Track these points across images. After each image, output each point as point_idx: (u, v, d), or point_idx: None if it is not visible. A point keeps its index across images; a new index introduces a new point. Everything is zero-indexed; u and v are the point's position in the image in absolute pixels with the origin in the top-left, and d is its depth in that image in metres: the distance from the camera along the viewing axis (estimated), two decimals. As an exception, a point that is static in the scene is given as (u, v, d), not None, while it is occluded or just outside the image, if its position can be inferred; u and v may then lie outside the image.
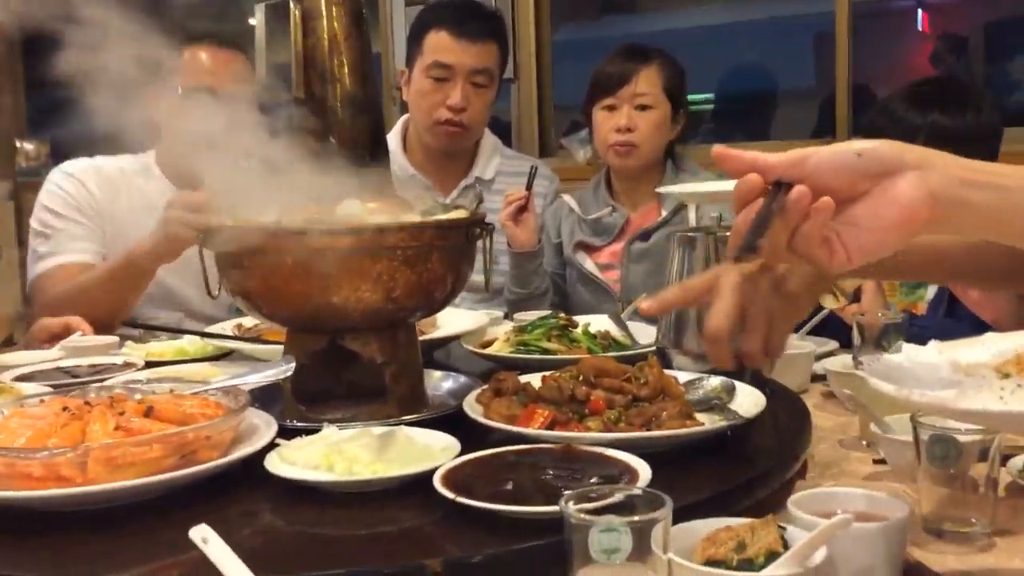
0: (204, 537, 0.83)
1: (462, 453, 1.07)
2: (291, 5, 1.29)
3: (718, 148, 0.86)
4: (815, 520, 0.82)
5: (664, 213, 2.27)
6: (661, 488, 0.78)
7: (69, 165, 2.30)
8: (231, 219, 1.29)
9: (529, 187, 2.19)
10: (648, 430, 1.15)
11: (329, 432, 1.12)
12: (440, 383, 1.44)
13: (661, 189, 1.84)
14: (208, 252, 1.30)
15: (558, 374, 1.28)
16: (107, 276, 2.04)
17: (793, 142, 3.74)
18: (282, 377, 1.26)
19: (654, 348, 1.52)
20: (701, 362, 1.43)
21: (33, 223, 2.25)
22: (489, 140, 2.56)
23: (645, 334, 1.73)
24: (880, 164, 0.81)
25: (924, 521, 1.01)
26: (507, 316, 2.01)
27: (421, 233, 1.24)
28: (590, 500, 0.77)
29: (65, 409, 1.08)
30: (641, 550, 0.72)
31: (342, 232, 1.20)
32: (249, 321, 1.82)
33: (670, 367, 1.40)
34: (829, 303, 1.87)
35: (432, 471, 1.01)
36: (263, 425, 1.17)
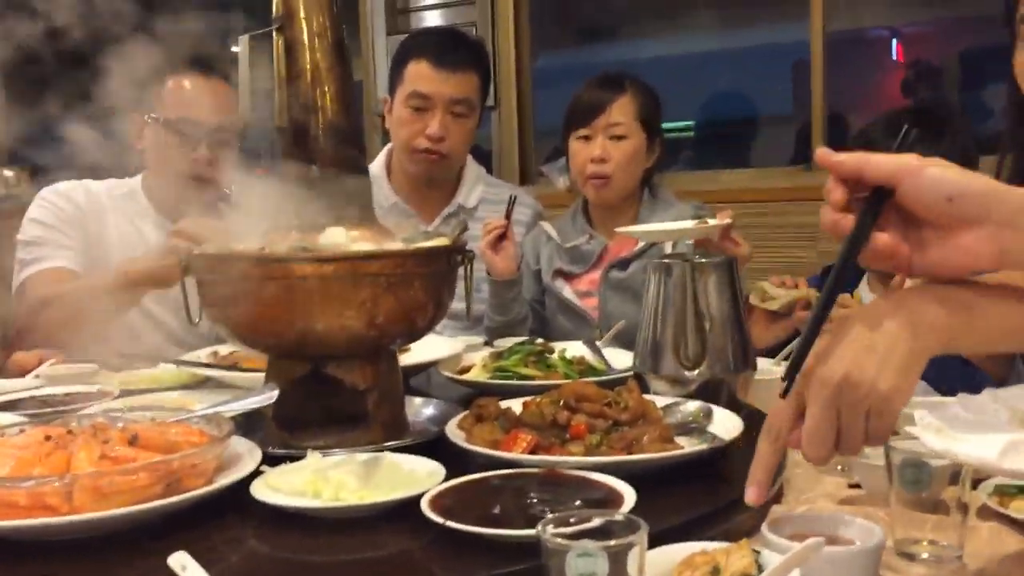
0: (183, 565, 0.83)
1: (447, 479, 1.08)
2: (274, 36, 1.31)
3: (822, 152, 0.86)
4: (788, 544, 0.84)
5: (641, 243, 2.29)
6: (639, 512, 0.79)
7: (58, 185, 2.32)
8: (213, 247, 1.30)
9: (508, 216, 2.20)
10: (630, 454, 1.17)
11: (313, 459, 1.13)
12: (421, 409, 1.45)
13: (620, 230, 1.88)
14: (189, 280, 1.31)
15: (539, 399, 1.29)
16: (98, 288, 2.03)
17: (771, 169, 3.80)
18: (265, 404, 1.26)
19: (631, 373, 1.54)
20: (678, 387, 1.45)
21: (20, 236, 2.26)
22: (472, 168, 2.58)
23: (619, 360, 1.75)
24: (974, 209, 0.82)
25: (897, 544, 1.02)
26: (487, 343, 2.03)
27: (404, 260, 1.26)
28: (567, 525, 0.78)
29: (48, 438, 1.08)
30: (617, 574, 0.73)
31: (326, 259, 1.21)
32: (225, 349, 1.81)
33: (648, 391, 1.42)
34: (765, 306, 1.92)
35: (418, 496, 1.02)
36: (246, 452, 1.17)
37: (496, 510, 0.98)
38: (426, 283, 1.28)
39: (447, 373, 1.70)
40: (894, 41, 5.99)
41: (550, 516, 0.78)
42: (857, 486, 1.24)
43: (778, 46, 5.47)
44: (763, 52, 5.76)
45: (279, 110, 1.33)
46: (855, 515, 0.96)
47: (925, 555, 1.01)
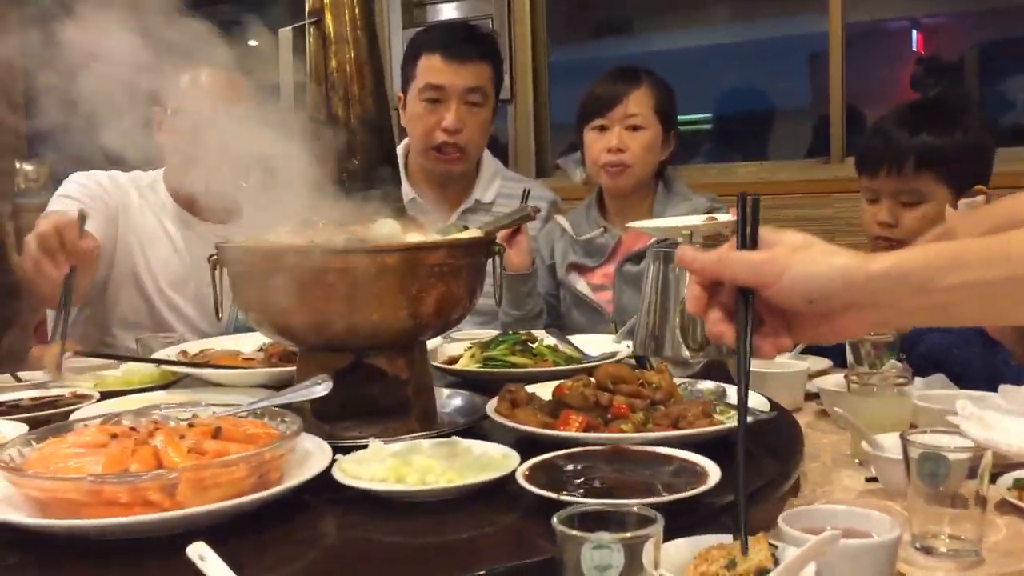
0: (201, 555, 0.84)
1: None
2: (311, 30, 1.32)
3: (683, 254, 0.90)
4: (805, 537, 0.83)
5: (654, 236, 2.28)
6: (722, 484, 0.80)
7: (83, 175, 2.35)
8: (254, 239, 1.30)
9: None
10: (677, 429, 1.23)
11: (377, 446, 1.14)
12: (448, 400, 1.47)
13: (631, 225, 1.87)
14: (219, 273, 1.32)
15: (571, 383, 1.34)
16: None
17: (788, 162, 3.77)
18: (318, 396, 1.24)
19: (616, 358, 1.63)
20: (681, 368, 1.50)
21: (48, 211, 2.27)
22: (489, 163, 2.58)
23: (589, 347, 1.79)
24: (840, 303, 0.85)
25: (914, 538, 1.02)
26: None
27: (455, 251, 1.28)
28: (581, 517, 0.78)
29: (114, 436, 1.06)
30: (633, 567, 0.73)
31: (386, 251, 1.23)
32: (194, 348, 1.80)
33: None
34: None
35: (507, 476, 1.05)
36: (313, 446, 1.16)
37: (597, 483, 1.02)
38: (469, 274, 1.31)
39: (435, 364, 1.72)
40: (914, 32, 5.95)
41: (563, 510, 0.78)
42: (874, 480, 1.24)
43: (795, 38, 5.43)
44: (779, 44, 5.71)
45: (314, 103, 1.34)
46: (871, 508, 0.95)
47: (943, 549, 1.00)
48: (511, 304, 2.23)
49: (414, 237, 1.30)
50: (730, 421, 1.27)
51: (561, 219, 2.45)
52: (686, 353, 1.49)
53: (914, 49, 5.98)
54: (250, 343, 1.81)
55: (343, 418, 1.29)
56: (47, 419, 1.39)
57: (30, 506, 0.99)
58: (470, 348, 1.80)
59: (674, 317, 1.50)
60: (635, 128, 2.26)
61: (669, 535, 0.90)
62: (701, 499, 1.00)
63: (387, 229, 1.28)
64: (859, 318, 0.85)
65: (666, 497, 0.97)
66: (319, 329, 1.26)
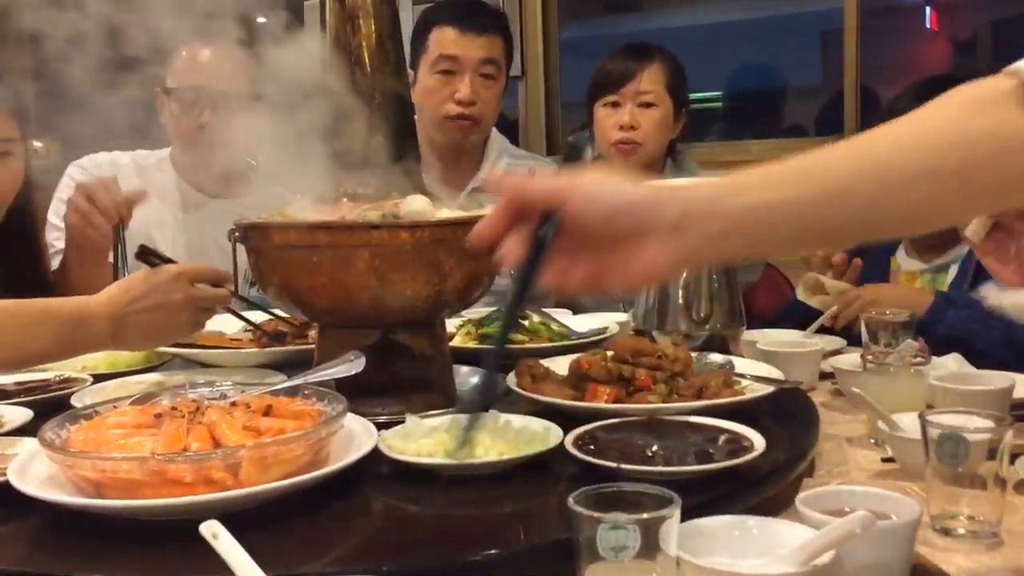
0: (214, 533, 0.83)
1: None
2: (332, 2, 1.31)
3: (491, 176, 0.84)
4: (824, 518, 0.82)
5: None
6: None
7: (85, 159, 2.33)
8: (279, 214, 1.29)
9: None
10: (701, 398, 1.27)
11: (415, 421, 1.15)
12: (466, 379, 1.46)
13: None
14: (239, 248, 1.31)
15: (589, 357, 1.36)
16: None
17: (800, 140, 3.74)
18: (348, 374, 1.23)
19: (606, 334, 1.69)
20: (687, 340, 1.52)
21: (49, 216, 2.27)
22: (496, 140, 2.55)
23: (574, 323, 1.83)
24: (635, 221, 0.77)
25: (933, 520, 1.01)
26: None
27: None
28: (597, 497, 0.77)
29: (159, 416, 1.05)
30: (649, 548, 0.72)
31: (421, 226, 1.22)
32: None
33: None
34: (815, 302, 1.87)
35: (553, 450, 1.07)
36: (352, 422, 1.14)
37: (651, 452, 1.05)
38: (494, 252, 1.29)
39: None
40: (927, 9, 5.88)
41: (579, 490, 0.77)
42: (891, 460, 1.23)
43: (807, 15, 5.38)
44: (791, 21, 5.66)
45: (335, 76, 1.32)
46: (889, 489, 0.94)
47: (962, 530, 0.99)
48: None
49: (445, 212, 1.29)
50: (751, 391, 1.31)
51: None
52: (686, 327, 1.55)
53: (928, 26, 5.93)
54: (234, 326, 1.76)
55: (365, 395, 1.28)
56: (49, 403, 1.38)
57: (78, 487, 0.97)
58: (463, 325, 1.79)
59: (675, 293, 1.56)
60: (647, 105, 2.23)
61: (717, 502, 0.94)
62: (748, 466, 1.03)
63: (418, 205, 1.27)
64: (663, 247, 0.77)
65: (723, 463, 1.01)
66: (347, 306, 1.25)
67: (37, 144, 4.17)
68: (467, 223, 1.24)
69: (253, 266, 1.31)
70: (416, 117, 2.52)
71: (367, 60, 1.32)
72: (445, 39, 2.36)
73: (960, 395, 1.29)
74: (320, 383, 1.20)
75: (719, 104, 5.77)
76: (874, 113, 3.64)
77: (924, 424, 1.02)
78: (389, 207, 1.27)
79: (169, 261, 1.48)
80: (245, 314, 1.73)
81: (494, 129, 2.55)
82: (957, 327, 1.63)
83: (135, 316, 1.37)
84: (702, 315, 1.55)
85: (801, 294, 1.92)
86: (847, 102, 3.15)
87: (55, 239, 2.23)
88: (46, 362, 1.44)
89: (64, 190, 2.27)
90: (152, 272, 1.43)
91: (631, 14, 5.60)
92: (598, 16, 5.39)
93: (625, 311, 2.12)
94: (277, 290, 1.29)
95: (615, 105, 2.25)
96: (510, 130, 3.39)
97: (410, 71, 2.45)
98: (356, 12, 1.32)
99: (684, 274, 1.55)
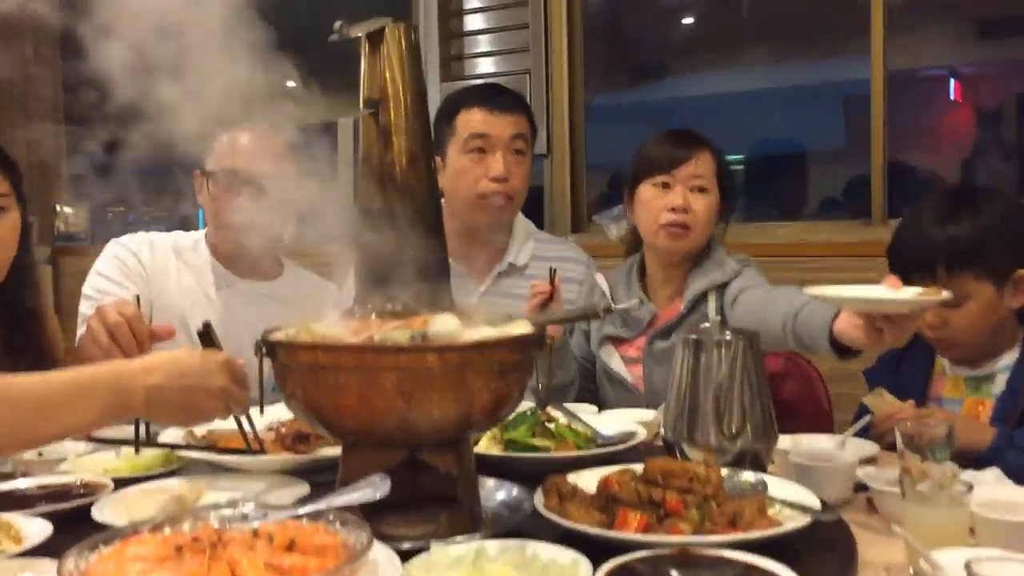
0: None
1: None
2: (367, 119, 1.31)
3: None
4: None
5: (682, 308, 2.22)
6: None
7: (125, 238, 2.36)
8: (310, 333, 1.28)
9: (552, 282, 2.16)
10: (734, 526, 1.23)
11: (441, 550, 1.13)
12: (491, 494, 1.44)
13: (819, 293, 1.58)
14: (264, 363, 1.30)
15: (618, 475, 1.33)
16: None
17: (827, 223, 3.72)
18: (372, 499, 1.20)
19: (638, 441, 1.68)
20: (718, 455, 1.48)
21: (85, 289, 2.29)
22: (522, 225, 2.56)
23: (608, 423, 1.79)
24: None
25: None
26: (535, 409, 1.99)
27: (516, 346, 1.27)
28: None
29: (179, 549, 1.03)
30: None
31: (450, 348, 1.21)
32: (201, 428, 1.73)
33: (681, 458, 1.49)
34: (879, 406, 1.83)
35: None
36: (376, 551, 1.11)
37: None
38: (524, 369, 1.30)
39: None
40: (951, 80, 5.89)
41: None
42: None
43: (831, 85, 5.40)
44: (816, 90, 5.69)
45: (366, 192, 1.33)
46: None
47: None
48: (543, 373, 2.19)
49: (473, 332, 1.28)
50: (787, 520, 1.27)
51: (601, 279, 2.39)
52: (717, 442, 1.50)
53: (952, 98, 5.93)
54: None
55: (389, 514, 1.26)
56: (68, 512, 1.37)
57: None
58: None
59: (706, 404, 1.51)
60: (700, 190, 2.19)
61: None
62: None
63: (447, 325, 1.26)
64: None
65: None
66: (373, 426, 1.24)
67: (68, 210, 4.23)
68: (496, 345, 1.24)
69: (278, 380, 1.30)
70: (443, 202, 2.55)
71: (399, 176, 1.32)
72: (474, 119, 2.39)
73: (1004, 528, 1.26)
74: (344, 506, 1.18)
75: (740, 167, 5.79)
76: (900, 191, 3.63)
77: (969, 569, 0.99)
78: (418, 325, 1.26)
79: (219, 347, 1.47)
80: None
81: (520, 213, 2.56)
82: (1014, 470, 1.59)
83: (173, 393, 1.37)
84: (734, 429, 1.51)
85: (869, 401, 1.91)
86: (874, 187, 3.13)
87: (86, 308, 2.24)
88: (80, 433, 1.45)
89: (101, 263, 2.29)
90: (202, 354, 1.43)
91: (657, 82, 5.65)
92: (624, 85, 5.43)
93: (648, 406, 2.10)
94: (302, 407, 1.28)
95: (665, 186, 2.20)
96: (537, 206, 3.40)
97: (436, 156, 2.46)
98: (389, 129, 1.32)
99: (715, 384, 1.52)
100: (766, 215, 5.05)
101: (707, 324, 1.61)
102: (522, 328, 1.33)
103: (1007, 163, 5.55)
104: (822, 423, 2.37)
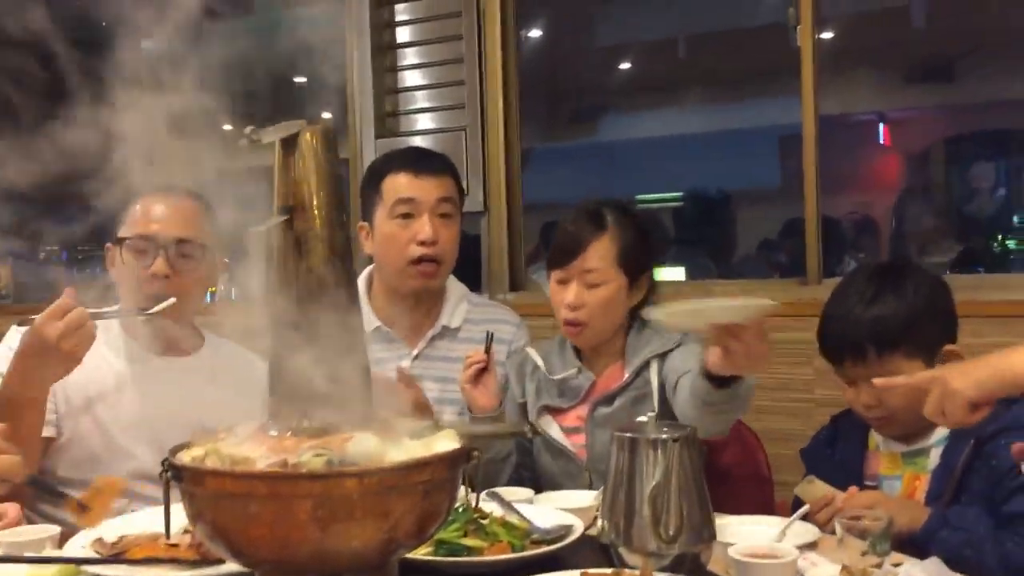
0: None
1: None
2: (282, 227, 1.24)
3: None
4: None
5: (626, 374, 2.20)
6: None
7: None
8: (218, 455, 1.20)
9: (487, 351, 2.11)
10: None
11: None
12: None
13: (653, 315, 1.66)
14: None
15: None
16: None
17: (764, 282, 3.74)
18: None
19: (576, 535, 1.57)
20: (653, 559, 1.43)
21: None
22: (455, 287, 2.51)
23: (542, 514, 1.69)
24: None
25: None
26: (470, 483, 1.93)
27: (442, 465, 1.18)
28: None
29: None
30: None
31: (369, 472, 1.12)
32: (112, 535, 1.55)
33: (615, 565, 1.41)
34: (811, 493, 1.82)
35: None
36: None
37: None
38: (451, 486, 1.22)
39: None
40: (880, 125, 6.03)
41: None
42: None
43: (764, 129, 5.52)
44: (749, 132, 5.80)
45: (279, 303, 1.26)
46: None
47: None
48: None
49: (396, 451, 1.21)
50: None
51: (533, 353, 2.35)
52: (655, 546, 1.44)
53: (881, 142, 6.07)
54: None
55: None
56: None
57: None
58: None
59: (642, 508, 1.47)
60: (594, 285, 2.17)
61: None
62: None
63: (366, 446, 1.20)
64: None
65: None
66: (287, 556, 1.15)
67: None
68: (419, 466, 1.16)
69: (184, 504, 1.22)
70: (373, 268, 2.50)
71: (314, 287, 1.25)
72: (400, 184, 2.34)
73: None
74: None
75: (679, 204, 5.84)
76: (833, 244, 3.67)
77: None
78: (336, 444, 1.19)
79: None
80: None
81: (452, 276, 2.52)
82: (950, 549, 1.58)
83: None
84: (671, 532, 1.47)
85: (800, 491, 1.89)
86: (809, 248, 3.11)
87: None
88: None
89: (4, 355, 2.16)
90: None
91: (594, 126, 5.69)
92: (561, 131, 5.46)
93: (589, 484, 2.06)
94: (211, 535, 1.20)
95: (564, 282, 2.18)
96: (474, 265, 3.35)
97: (362, 224, 2.41)
98: (304, 237, 1.26)
99: (651, 485, 1.48)
100: (701, 255, 5.13)
101: (644, 418, 1.57)
102: (447, 442, 1.26)
103: (934, 205, 5.71)
104: (762, 488, 2.36)
